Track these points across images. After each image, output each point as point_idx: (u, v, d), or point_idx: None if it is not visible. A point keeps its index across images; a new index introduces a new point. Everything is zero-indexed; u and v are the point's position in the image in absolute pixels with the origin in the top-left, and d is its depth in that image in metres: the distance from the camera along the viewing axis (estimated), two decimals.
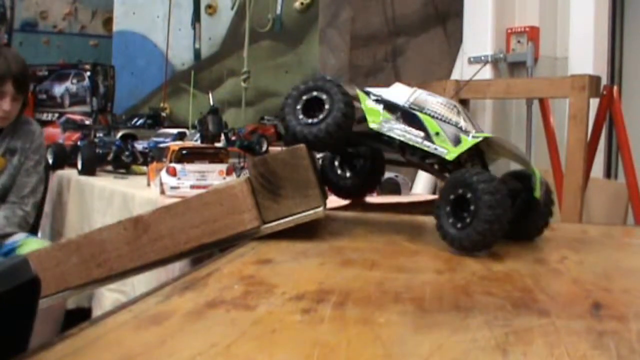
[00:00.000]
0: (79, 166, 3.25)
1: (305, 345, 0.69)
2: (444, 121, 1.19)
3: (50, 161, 3.43)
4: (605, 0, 3.28)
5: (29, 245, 2.66)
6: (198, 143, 3.19)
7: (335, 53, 3.55)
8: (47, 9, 6.16)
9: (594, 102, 2.95)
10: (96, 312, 2.69)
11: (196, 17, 5.24)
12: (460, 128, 1.18)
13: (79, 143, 3.54)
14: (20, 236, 2.80)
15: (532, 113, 3.31)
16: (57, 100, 4.92)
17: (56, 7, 6.19)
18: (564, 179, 2.90)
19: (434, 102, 1.22)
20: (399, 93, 1.25)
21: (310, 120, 1.24)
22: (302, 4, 4.63)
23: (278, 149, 3.09)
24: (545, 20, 3.37)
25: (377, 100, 1.25)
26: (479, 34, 3.44)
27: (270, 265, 1.04)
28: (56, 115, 4.76)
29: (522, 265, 1.04)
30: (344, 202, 1.74)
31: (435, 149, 1.17)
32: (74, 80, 4.90)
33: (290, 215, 1.22)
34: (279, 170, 1.23)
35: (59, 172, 3.44)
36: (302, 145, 1.24)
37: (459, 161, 1.19)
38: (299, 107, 1.26)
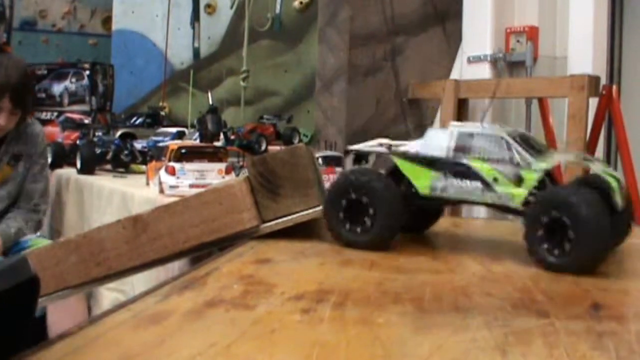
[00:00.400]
0: (78, 165, 3.25)
1: (304, 345, 0.69)
2: (497, 161, 1.07)
3: (49, 160, 3.42)
4: (604, 0, 3.28)
5: (39, 245, 2.65)
6: (197, 142, 3.19)
7: (334, 52, 3.55)
8: (46, 7, 6.16)
9: (593, 102, 2.95)
10: (95, 311, 2.69)
11: (195, 16, 5.24)
12: (517, 164, 1.06)
13: (78, 142, 3.54)
14: (30, 235, 2.79)
15: (532, 113, 3.31)
16: (56, 99, 4.92)
17: (55, 6, 6.19)
18: (562, 179, 2.90)
19: (479, 141, 1.09)
20: (437, 141, 1.13)
21: (357, 229, 1.14)
22: (301, 3, 4.63)
23: (277, 148, 3.09)
24: (544, 20, 3.37)
25: (417, 160, 1.14)
26: (478, 34, 3.44)
27: (269, 265, 1.04)
28: (55, 114, 4.76)
29: (521, 266, 1.04)
30: None
31: (500, 197, 1.07)
32: (73, 79, 4.89)
33: (290, 215, 1.22)
34: (278, 170, 1.23)
35: (58, 171, 3.44)
36: (301, 145, 1.24)
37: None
38: (341, 214, 1.15)
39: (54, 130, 4.11)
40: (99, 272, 1.20)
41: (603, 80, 3.03)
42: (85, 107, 4.78)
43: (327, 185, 1.26)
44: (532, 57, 3.28)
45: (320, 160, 2.63)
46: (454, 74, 3.61)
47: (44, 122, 4.63)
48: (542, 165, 1.05)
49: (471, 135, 1.10)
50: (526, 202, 1.05)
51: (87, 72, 4.86)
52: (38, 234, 2.88)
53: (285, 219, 1.22)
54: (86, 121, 4.14)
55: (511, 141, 1.07)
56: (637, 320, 0.79)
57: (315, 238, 1.24)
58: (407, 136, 3.59)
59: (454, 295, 0.88)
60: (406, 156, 1.16)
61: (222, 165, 2.58)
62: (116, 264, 1.20)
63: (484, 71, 3.38)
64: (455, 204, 1.18)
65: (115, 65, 5.14)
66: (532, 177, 1.05)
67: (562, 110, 3.10)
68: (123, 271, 1.21)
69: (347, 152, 1.30)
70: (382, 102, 3.53)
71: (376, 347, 0.69)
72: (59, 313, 2.44)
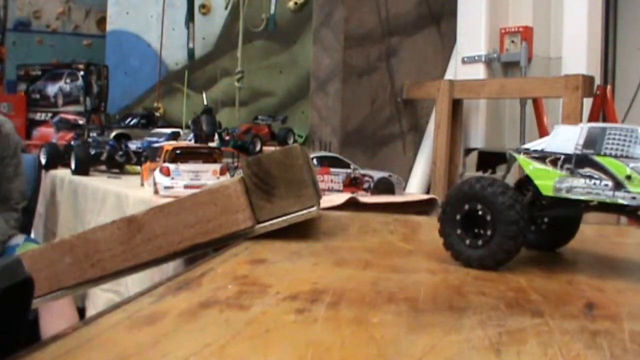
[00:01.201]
0: (73, 166, 3.24)
1: (299, 345, 0.69)
2: (631, 157, 0.97)
3: (44, 161, 3.42)
4: (598, 1, 3.29)
5: (27, 248, 2.66)
6: (192, 143, 3.18)
7: (329, 53, 3.55)
8: (40, 8, 6.14)
9: (588, 102, 2.96)
10: (90, 312, 2.69)
11: (190, 17, 5.24)
12: None
13: (72, 143, 3.53)
14: (19, 239, 2.79)
15: (526, 113, 3.32)
16: (51, 99, 4.91)
17: (49, 7, 6.17)
18: None
19: (611, 136, 1.00)
20: (565, 137, 1.04)
21: (477, 242, 1.04)
22: (296, 3, 4.63)
23: (272, 148, 3.09)
24: (538, 21, 3.38)
25: (541, 158, 1.04)
26: (473, 34, 3.44)
27: (264, 265, 1.04)
28: (49, 114, 4.75)
29: (515, 265, 1.04)
30: (338, 201, 1.75)
31: (634, 198, 0.96)
32: (68, 80, 4.88)
33: (284, 215, 1.22)
34: (272, 170, 1.23)
35: (52, 172, 3.43)
36: (296, 145, 1.24)
37: None
38: (459, 228, 1.06)
39: (48, 131, 4.11)
40: (94, 273, 1.20)
41: (597, 81, 3.04)
42: (79, 108, 4.77)
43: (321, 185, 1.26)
44: (526, 57, 3.29)
45: (314, 161, 2.63)
46: (449, 75, 3.62)
47: (38, 123, 4.65)
48: None
49: (603, 130, 1.01)
50: None
51: (82, 73, 4.85)
52: (26, 236, 2.88)
53: (280, 219, 1.22)
54: (80, 122, 4.13)
55: None
56: (631, 320, 0.79)
57: (310, 238, 1.24)
58: (401, 136, 3.60)
59: (448, 295, 0.89)
60: (529, 153, 1.07)
61: (216, 166, 2.58)
62: (111, 264, 1.19)
63: (478, 71, 3.39)
64: (585, 210, 1.06)
65: (109, 65, 5.13)
66: None
67: (556, 110, 3.11)
68: (118, 272, 1.21)
69: (468, 152, 1.25)
70: (376, 103, 3.53)
71: (370, 346, 0.69)
72: (50, 317, 2.44)
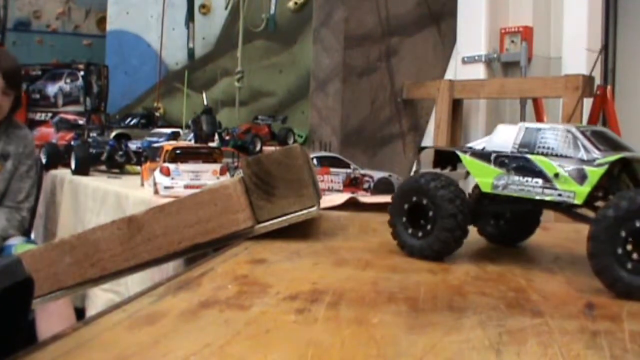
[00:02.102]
0: (73, 166, 3.24)
1: (299, 345, 0.69)
2: (561, 156, 1.01)
3: (44, 161, 3.42)
4: (598, 1, 3.29)
5: (24, 249, 2.66)
6: (192, 143, 3.18)
7: (329, 53, 3.55)
8: (40, 8, 6.14)
9: (588, 102, 2.96)
10: (90, 312, 2.69)
11: (190, 17, 5.24)
12: (582, 159, 1.00)
13: (72, 143, 3.53)
14: (17, 240, 2.80)
15: (526, 113, 3.31)
16: (51, 99, 4.90)
17: (49, 7, 6.17)
18: None
19: (545, 135, 1.04)
20: (504, 137, 1.09)
21: (418, 233, 1.11)
22: (296, 3, 4.63)
23: (272, 148, 3.09)
24: (538, 20, 3.38)
25: (482, 156, 1.09)
26: (473, 34, 3.44)
27: (264, 265, 1.04)
28: (49, 115, 4.75)
29: (515, 265, 1.04)
30: (338, 201, 1.75)
31: (560, 195, 1.00)
32: (68, 80, 4.88)
33: (284, 215, 1.22)
34: (272, 170, 1.23)
35: (53, 172, 3.43)
36: (296, 145, 1.24)
37: (600, 194, 1.02)
38: (404, 217, 1.12)
39: (48, 131, 4.10)
40: (94, 273, 1.20)
41: (597, 81, 3.04)
42: (79, 108, 4.77)
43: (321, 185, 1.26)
44: (526, 57, 3.29)
45: (315, 161, 2.63)
46: (449, 75, 3.61)
47: (38, 123, 4.64)
48: (608, 159, 0.98)
49: (538, 130, 1.06)
50: (588, 201, 1.00)
51: (82, 73, 4.84)
52: (25, 238, 2.89)
53: (280, 219, 1.22)
54: (80, 122, 4.13)
55: (579, 135, 1.02)
56: (631, 320, 0.79)
57: (310, 238, 1.24)
58: (401, 136, 3.59)
59: (448, 295, 0.89)
60: (471, 152, 1.12)
61: (216, 166, 2.57)
62: (111, 264, 1.19)
63: (478, 71, 3.39)
64: (517, 206, 1.10)
65: (109, 65, 5.12)
66: (596, 174, 0.97)
67: (556, 110, 3.11)
68: (118, 272, 1.21)
69: (420, 150, 1.28)
70: (376, 103, 3.53)
71: (370, 346, 0.69)
72: (47, 317, 2.44)
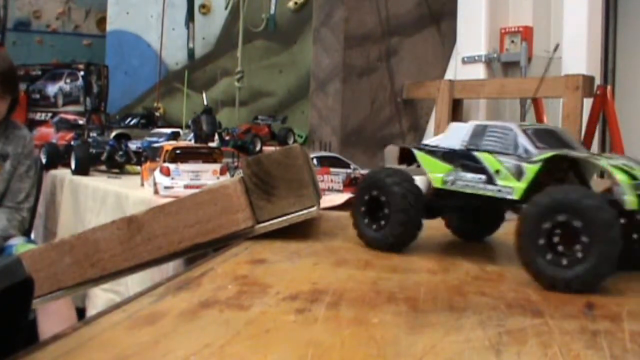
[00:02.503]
0: (73, 166, 3.24)
1: (299, 345, 0.69)
2: (504, 153, 1.05)
3: (44, 161, 3.42)
4: (598, 1, 3.29)
5: (24, 249, 2.66)
6: (192, 143, 3.18)
7: (329, 53, 3.55)
8: (40, 8, 6.14)
9: (588, 102, 2.96)
10: (90, 312, 2.69)
11: (190, 17, 5.24)
12: (519, 155, 1.03)
13: (72, 143, 3.53)
14: (17, 240, 2.80)
15: (526, 113, 3.31)
16: (51, 99, 4.90)
17: (49, 7, 6.17)
18: None
19: (491, 133, 1.08)
20: (456, 134, 1.13)
21: (373, 226, 1.17)
22: (296, 3, 4.63)
23: (272, 148, 3.09)
24: (538, 20, 3.38)
25: (435, 153, 1.14)
26: (473, 34, 3.44)
27: (264, 265, 1.04)
28: (49, 115, 4.75)
29: (515, 265, 1.04)
30: (338, 201, 1.75)
31: (499, 190, 1.04)
32: (68, 80, 4.88)
33: (284, 215, 1.22)
34: (272, 170, 1.23)
35: (53, 172, 3.43)
36: (296, 145, 1.24)
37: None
38: (362, 208, 1.18)
39: (48, 131, 4.10)
40: (94, 273, 1.20)
41: (597, 81, 3.04)
42: (79, 108, 4.77)
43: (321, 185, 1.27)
44: (526, 57, 3.29)
45: (314, 161, 2.63)
46: (449, 75, 3.61)
47: (38, 123, 4.64)
48: (543, 156, 1.00)
49: (485, 127, 1.10)
50: (528, 197, 0.99)
51: (82, 73, 4.84)
52: (25, 238, 2.89)
53: (280, 219, 1.22)
54: (80, 122, 4.13)
55: (519, 132, 1.05)
56: (631, 320, 0.79)
57: (310, 238, 1.24)
58: (401, 136, 3.59)
59: (448, 295, 0.89)
60: (425, 149, 1.16)
61: (216, 166, 2.57)
62: (111, 264, 1.19)
63: (478, 71, 3.39)
64: (465, 201, 1.12)
65: (109, 65, 5.12)
66: (532, 170, 1.00)
67: (556, 110, 3.11)
68: (118, 272, 1.21)
69: (384, 145, 1.32)
70: (376, 103, 3.53)
71: (370, 347, 0.69)
72: (48, 317, 2.44)
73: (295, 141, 3.84)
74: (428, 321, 0.77)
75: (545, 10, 3.42)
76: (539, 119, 3.18)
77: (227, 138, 3.30)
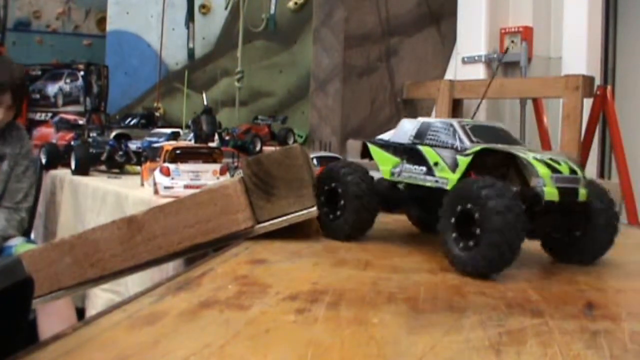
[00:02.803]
0: (73, 166, 3.24)
1: (299, 345, 0.69)
2: (443, 146, 1.12)
3: (44, 161, 3.42)
4: (598, 1, 3.28)
5: (24, 249, 2.66)
6: (192, 143, 3.18)
7: (329, 53, 3.55)
8: (40, 8, 6.13)
9: (588, 102, 2.96)
10: (90, 312, 2.69)
11: (190, 17, 5.23)
12: (456, 148, 1.09)
13: (72, 143, 3.53)
14: (17, 240, 2.81)
15: (526, 113, 3.31)
16: (51, 99, 4.90)
17: (49, 7, 6.16)
18: None
19: (434, 129, 1.15)
20: (405, 130, 1.21)
21: (331, 215, 1.24)
22: (295, 3, 4.63)
23: (272, 148, 3.09)
24: (538, 21, 3.38)
25: (386, 147, 1.23)
26: (473, 34, 3.44)
27: (264, 265, 1.04)
28: (49, 115, 4.75)
29: (515, 265, 1.04)
30: None
31: (437, 181, 1.11)
32: (68, 80, 4.88)
33: (284, 215, 1.22)
34: (272, 170, 1.23)
35: (53, 172, 3.43)
36: (296, 145, 1.25)
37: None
38: (322, 197, 1.26)
39: (48, 131, 4.10)
40: (94, 273, 1.20)
41: (597, 81, 3.04)
42: (79, 108, 4.77)
43: None
44: (526, 57, 3.29)
45: (314, 161, 2.63)
46: (449, 75, 3.61)
47: (38, 123, 4.64)
48: (474, 149, 1.06)
49: (429, 124, 1.17)
50: None
51: (82, 73, 4.84)
52: (25, 238, 2.89)
53: (280, 219, 1.22)
54: (80, 122, 4.12)
55: (457, 128, 1.11)
56: (631, 320, 0.79)
57: (310, 238, 1.24)
58: None
59: (448, 295, 0.89)
60: (376, 143, 1.25)
61: (216, 166, 2.57)
62: (111, 264, 1.19)
63: (478, 71, 3.39)
64: (411, 191, 1.21)
65: (109, 65, 5.12)
66: (464, 162, 1.06)
67: (556, 110, 3.11)
68: (117, 272, 1.21)
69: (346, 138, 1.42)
70: (376, 103, 3.53)
71: (370, 346, 0.69)
72: (48, 317, 2.45)
73: (295, 141, 3.84)
74: (428, 321, 0.77)
75: (545, 11, 3.42)
76: (539, 119, 3.18)
77: (227, 138, 3.30)
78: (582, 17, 3.21)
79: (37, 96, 4.92)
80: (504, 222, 0.92)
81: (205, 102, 3.55)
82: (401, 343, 0.70)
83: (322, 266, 1.05)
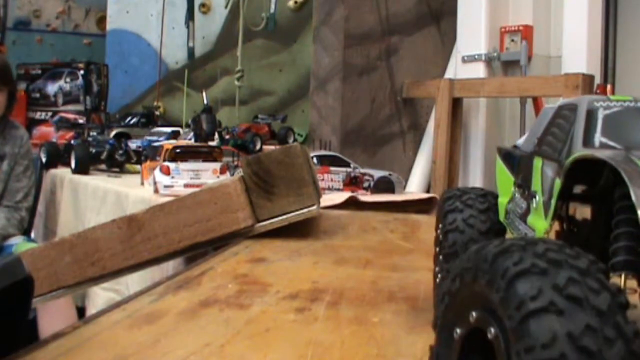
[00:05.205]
0: (73, 165, 3.24)
1: (299, 344, 0.69)
2: (550, 157, 0.65)
3: (44, 160, 3.42)
4: (598, 1, 3.28)
5: (24, 248, 2.67)
6: (192, 142, 3.18)
7: (329, 52, 3.54)
8: (40, 7, 6.13)
9: None
10: (90, 311, 2.69)
11: (190, 16, 5.23)
12: (560, 161, 0.63)
13: (72, 142, 3.53)
14: (17, 239, 2.82)
15: (526, 112, 3.31)
16: (51, 99, 4.90)
17: (49, 6, 6.16)
18: None
19: (560, 117, 0.67)
20: (541, 124, 0.73)
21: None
22: (296, 2, 4.63)
23: (272, 147, 3.09)
24: (538, 19, 3.38)
25: (510, 159, 0.80)
26: (473, 33, 3.44)
27: (264, 264, 1.04)
28: (49, 114, 4.75)
29: None
30: (338, 200, 1.75)
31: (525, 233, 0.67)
32: (68, 79, 4.88)
33: (284, 214, 1.22)
34: (272, 169, 1.23)
35: (52, 171, 3.43)
36: (296, 144, 1.24)
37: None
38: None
39: (48, 130, 4.10)
40: (94, 272, 1.20)
41: (597, 80, 3.04)
42: (79, 107, 4.77)
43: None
44: (526, 56, 3.29)
45: (314, 160, 2.63)
46: (449, 73, 3.61)
47: (38, 122, 4.64)
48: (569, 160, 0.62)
49: (560, 108, 0.70)
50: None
51: (82, 72, 4.84)
52: (25, 237, 2.90)
53: (280, 218, 1.22)
54: (80, 121, 4.13)
55: (581, 114, 0.65)
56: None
57: (310, 237, 1.24)
58: (401, 135, 3.59)
59: None
60: (504, 152, 0.84)
61: (216, 165, 2.57)
62: (111, 263, 1.19)
63: (478, 70, 3.39)
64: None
65: (109, 64, 5.12)
66: (557, 188, 0.58)
67: None
68: (118, 271, 1.21)
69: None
70: (376, 102, 3.53)
71: (370, 345, 0.69)
72: (49, 316, 2.45)
73: (295, 140, 3.84)
74: (428, 320, 0.77)
75: (545, 9, 3.42)
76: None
77: (227, 137, 3.30)
78: (582, 16, 3.21)
79: (37, 95, 4.93)
80: None
81: (205, 101, 3.56)
82: (401, 342, 0.70)
83: (323, 265, 1.05)
